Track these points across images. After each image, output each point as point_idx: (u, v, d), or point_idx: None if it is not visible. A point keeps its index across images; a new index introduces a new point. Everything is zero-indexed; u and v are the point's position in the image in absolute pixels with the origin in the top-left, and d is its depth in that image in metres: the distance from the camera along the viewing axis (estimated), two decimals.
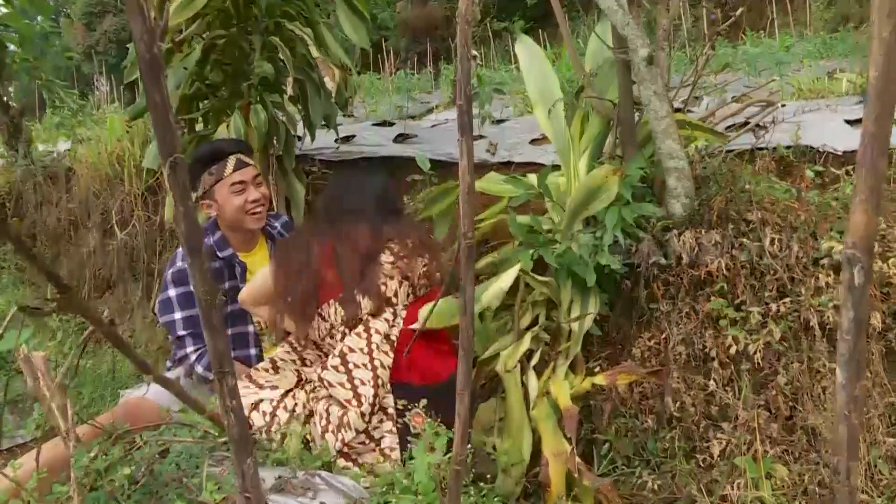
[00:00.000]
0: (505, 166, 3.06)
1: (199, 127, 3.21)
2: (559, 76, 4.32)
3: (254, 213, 2.55)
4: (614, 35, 2.34)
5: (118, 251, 4.40)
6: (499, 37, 11.53)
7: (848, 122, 3.16)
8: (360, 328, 2.11)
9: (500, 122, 3.51)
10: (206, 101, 3.17)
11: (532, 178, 2.51)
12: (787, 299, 2.34)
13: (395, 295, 2.16)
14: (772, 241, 2.35)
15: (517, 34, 2.60)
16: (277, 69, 3.05)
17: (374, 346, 2.09)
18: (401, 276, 2.17)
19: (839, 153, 2.85)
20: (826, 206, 2.46)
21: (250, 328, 2.64)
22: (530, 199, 2.42)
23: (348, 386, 2.04)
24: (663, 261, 2.37)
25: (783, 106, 3.28)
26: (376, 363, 2.07)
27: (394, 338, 2.12)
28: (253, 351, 2.63)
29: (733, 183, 2.40)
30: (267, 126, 3.02)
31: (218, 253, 2.57)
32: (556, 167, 2.78)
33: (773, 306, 2.33)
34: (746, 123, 3.03)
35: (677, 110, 3.08)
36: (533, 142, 3.25)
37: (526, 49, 2.58)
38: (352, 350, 2.08)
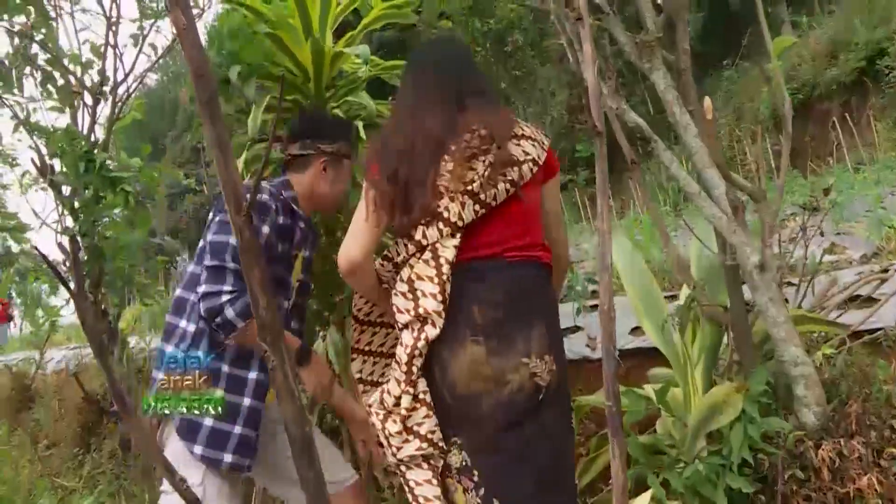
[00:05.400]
0: None
1: None
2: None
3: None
4: (719, 239, 2.27)
5: None
6: (564, 188, 11.56)
7: None
8: (429, 254, 1.87)
9: (594, 307, 3.42)
10: None
11: (648, 389, 2.39)
12: None
13: (460, 217, 1.86)
14: None
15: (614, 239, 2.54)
16: None
17: (444, 278, 1.84)
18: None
19: None
20: None
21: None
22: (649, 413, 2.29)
23: (413, 313, 1.85)
24: (801, 475, 2.17)
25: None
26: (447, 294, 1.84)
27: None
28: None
29: (866, 383, 2.22)
30: None
31: (295, 207, 2.18)
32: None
33: None
34: (858, 298, 2.87)
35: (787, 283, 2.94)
36: (633, 330, 3.13)
37: (622, 251, 2.54)
38: (420, 277, 1.87)
